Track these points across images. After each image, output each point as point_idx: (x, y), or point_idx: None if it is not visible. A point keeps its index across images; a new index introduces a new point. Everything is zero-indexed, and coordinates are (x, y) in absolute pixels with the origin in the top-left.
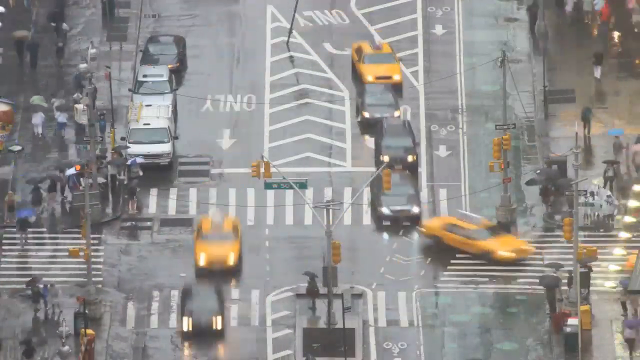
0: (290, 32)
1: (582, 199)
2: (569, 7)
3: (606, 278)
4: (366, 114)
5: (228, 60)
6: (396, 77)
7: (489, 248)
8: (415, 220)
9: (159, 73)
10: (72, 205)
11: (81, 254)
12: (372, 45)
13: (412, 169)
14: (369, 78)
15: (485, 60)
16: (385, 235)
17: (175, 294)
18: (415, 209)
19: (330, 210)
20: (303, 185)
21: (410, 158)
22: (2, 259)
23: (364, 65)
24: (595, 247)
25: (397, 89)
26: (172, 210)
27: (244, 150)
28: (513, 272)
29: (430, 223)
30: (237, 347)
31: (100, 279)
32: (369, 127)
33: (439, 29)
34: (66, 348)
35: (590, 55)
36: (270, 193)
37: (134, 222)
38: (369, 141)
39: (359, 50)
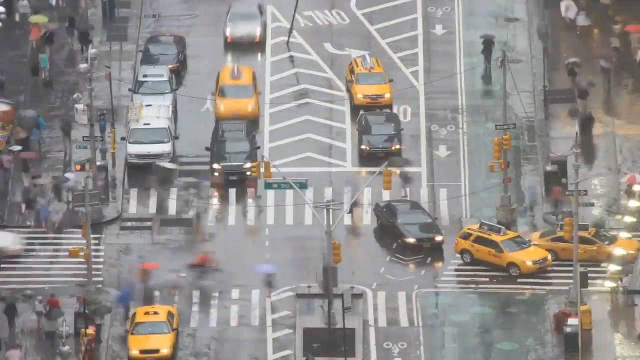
0: (290, 32)
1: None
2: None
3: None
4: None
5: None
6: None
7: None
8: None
9: (159, 73)
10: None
11: (81, 253)
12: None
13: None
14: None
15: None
16: None
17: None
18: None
19: (330, 210)
20: (303, 185)
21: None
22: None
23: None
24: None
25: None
26: (172, 210)
27: None
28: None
29: None
30: (238, 347)
31: (101, 279)
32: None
33: (439, 29)
34: (66, 348)
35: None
36: (270, 193)
37: (133, 222)
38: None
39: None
